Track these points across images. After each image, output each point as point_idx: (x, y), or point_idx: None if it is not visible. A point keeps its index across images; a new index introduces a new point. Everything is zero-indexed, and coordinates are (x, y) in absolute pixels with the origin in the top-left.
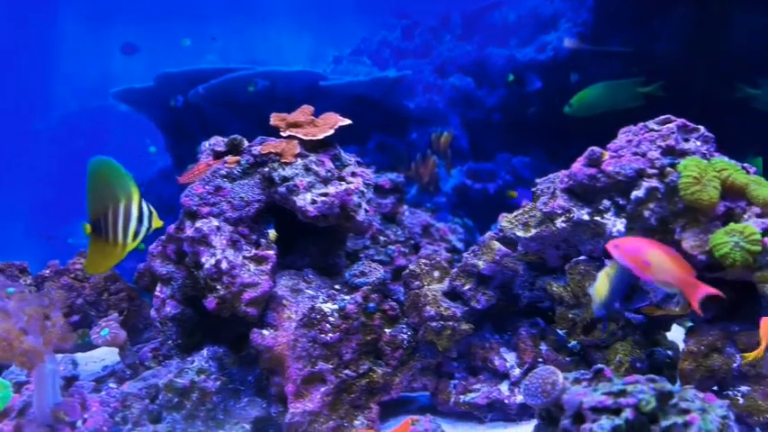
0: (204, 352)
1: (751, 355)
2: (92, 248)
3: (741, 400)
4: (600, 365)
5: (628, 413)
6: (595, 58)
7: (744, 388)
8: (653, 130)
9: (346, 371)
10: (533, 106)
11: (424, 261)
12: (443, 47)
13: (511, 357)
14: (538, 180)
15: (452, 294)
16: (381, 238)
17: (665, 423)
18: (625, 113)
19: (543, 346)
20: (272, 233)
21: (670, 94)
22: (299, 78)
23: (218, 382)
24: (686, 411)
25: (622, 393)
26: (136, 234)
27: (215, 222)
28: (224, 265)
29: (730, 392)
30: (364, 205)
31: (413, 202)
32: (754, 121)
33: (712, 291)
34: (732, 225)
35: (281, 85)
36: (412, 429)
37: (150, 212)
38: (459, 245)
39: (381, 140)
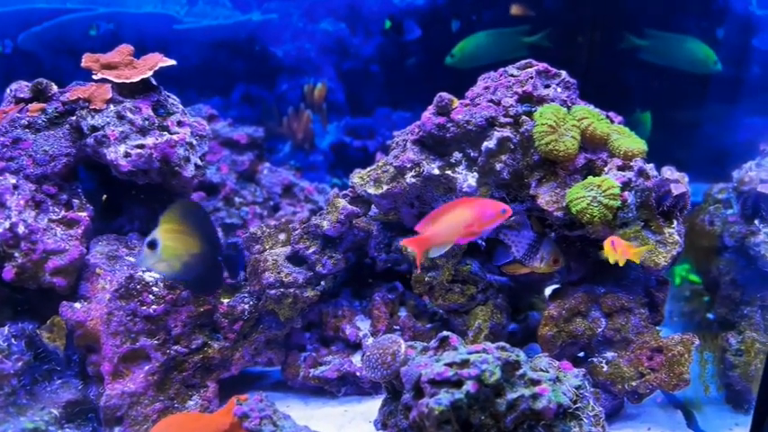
0: (5, 329)
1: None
2: None
3: (605, 368)
4: (445, 333)
5: (469, 386)
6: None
7: (609, 354)
8: (512, 75)
9: (176, 346)
10: (413, 56)
11: (269, 223)
12: None
13: (365, 326)
14: (395, 132)
15: (296, 258)
16: (236, 199)
17: (511, 396)
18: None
19: (402, 312)
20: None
21: (556, 43)
22: (149, 21)
23: (20, 363)
24: (536, 382)
25: (465, 364)
26: None
27: (11, 180)
28: (21, 229)
29: (595, 359)
30: (194, 159)
31: (285, 161)
32: (641, 72)
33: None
34: (590, 179)
35: (128, 29)
36: (236, 410)
37: None
38: None
39: (247, 92)
